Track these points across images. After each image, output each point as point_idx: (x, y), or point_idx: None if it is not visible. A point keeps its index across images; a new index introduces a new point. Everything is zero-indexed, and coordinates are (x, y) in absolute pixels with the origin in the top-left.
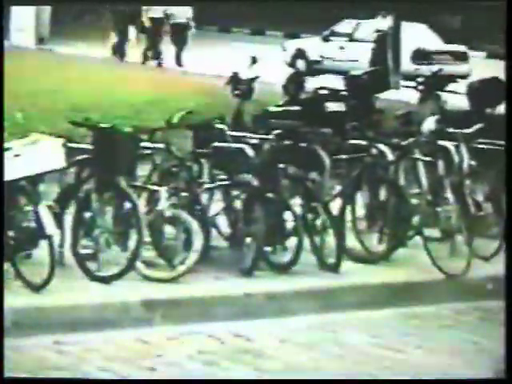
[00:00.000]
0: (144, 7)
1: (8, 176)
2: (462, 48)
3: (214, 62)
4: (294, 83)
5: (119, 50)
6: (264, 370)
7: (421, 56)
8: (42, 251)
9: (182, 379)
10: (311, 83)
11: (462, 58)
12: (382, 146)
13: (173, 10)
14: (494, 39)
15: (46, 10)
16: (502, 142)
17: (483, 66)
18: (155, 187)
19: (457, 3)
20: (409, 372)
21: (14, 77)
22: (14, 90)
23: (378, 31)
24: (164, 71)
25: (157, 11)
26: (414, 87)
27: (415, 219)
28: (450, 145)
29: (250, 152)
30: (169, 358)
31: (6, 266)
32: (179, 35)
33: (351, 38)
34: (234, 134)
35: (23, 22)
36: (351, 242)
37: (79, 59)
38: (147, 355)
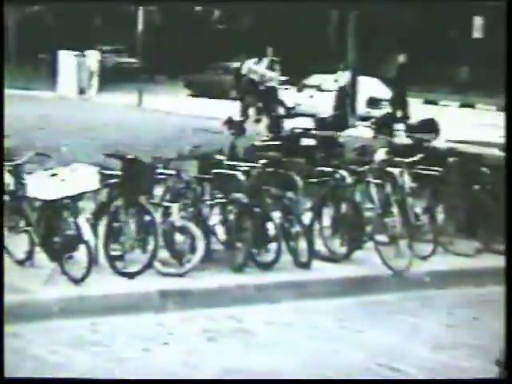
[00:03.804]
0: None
1: (55, 195)
2: None
3: (215, 107)
4: (276, 124)
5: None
6: (252, 344)
7: (373, 102)
8: (81, 253)
9: (182, 379)
10: (289, 124)
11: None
12: (343, 172)
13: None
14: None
15: (86, 65)
16: (437, 168)
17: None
18: (168, 204)
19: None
20: (364, 347)
21: (60, 120)
22: (60, 130)
23: (339, 83)
24: (171, 116)
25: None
26: (368, 126)
27: (368, 228)
28: (395, 171)
29: (241, 177)
30: (180, 335)
31: (53, 265)
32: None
33: (319, 88)
34: (230, 163)
35: (67, 75)
36: (319, 245)
37: (110, 106)
38: (163, 334)
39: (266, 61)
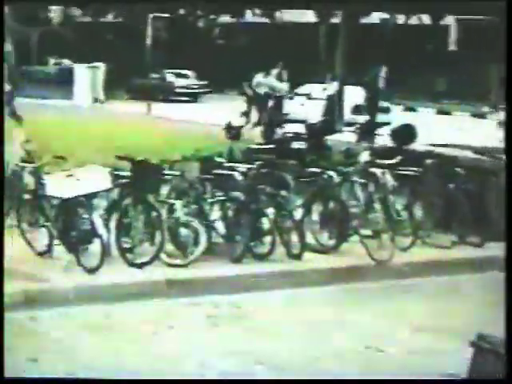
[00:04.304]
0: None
1: (72, 193)
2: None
3: (217, 115)
4: (269, 129)
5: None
6: (249, 327)
7: (357, 110)
8: (95, 246)
9: (182, 379)
10: (281, 129)
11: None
12: (330, 172)
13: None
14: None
15: (100, 76)
16: (415, 169)
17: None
18: (173, 201)
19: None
20: (351, 329)
21: (76, 126)
22: (76, 135)
23: (327, 92)
24: (176, 122)
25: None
26: (353, 131)
27: (354, 223)
28: (378, 171)
29: (238, 177)
30: (184, 320)
31: (70, 256)
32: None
33: (309, 97)
34: (228, 164)
35: (82, 86)
36: (309, 238)
37: (121, 114)
38: (169, 318)
39: (274, 73)
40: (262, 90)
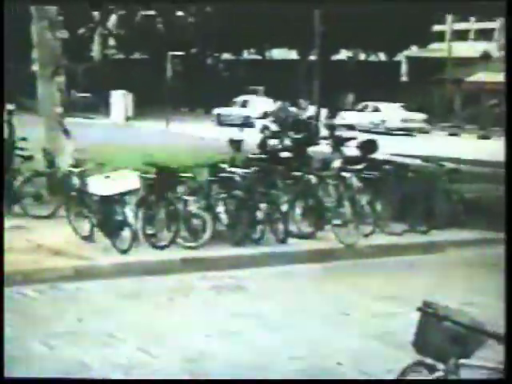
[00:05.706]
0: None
1: (109, 192)
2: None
3: (221, 131)
4: (263, 143)
5: None
6: (246, 295)
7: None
8: (126, 233)
9: (182, 379)
10: (273, 142)
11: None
12: (310, 176)
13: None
14: None
15: (130, 100)
16: (376, 173)
17: None
18: (187, 198)
19: None
20: (327, 298)
21: (112, 138)
22: (112, 146)
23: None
24: (190, 137)
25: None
26: (328, 144)
27: (328, 215)
28: (347, 175)
29: (238, 179)
30: (196, 290)
31: (107, 240)
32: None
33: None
34: (231, 169)
35: (117, 107)
36: (293, 227)
37: (147, 129)
38: (185, 289)
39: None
40: (282, 114)
